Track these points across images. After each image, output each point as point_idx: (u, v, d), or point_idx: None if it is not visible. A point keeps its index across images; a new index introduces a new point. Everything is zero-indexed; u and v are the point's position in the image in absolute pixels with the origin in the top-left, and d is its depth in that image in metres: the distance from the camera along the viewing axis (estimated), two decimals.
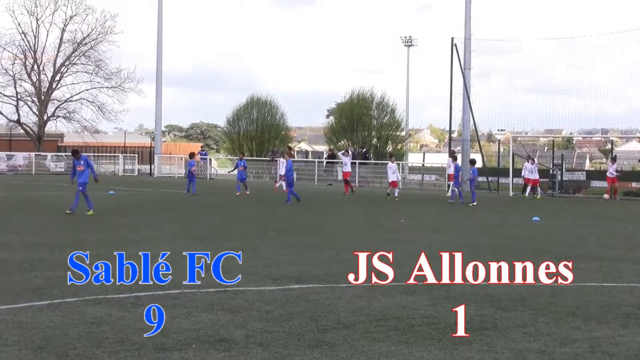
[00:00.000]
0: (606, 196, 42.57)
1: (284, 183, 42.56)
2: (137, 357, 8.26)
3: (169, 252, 15.14)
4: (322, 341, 9.16)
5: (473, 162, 37.97)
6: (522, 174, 44.55)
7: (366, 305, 11.26)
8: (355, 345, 8.99)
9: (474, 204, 34.47)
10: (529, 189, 43.06)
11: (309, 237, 20.54)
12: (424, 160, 70.29)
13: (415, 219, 27.37)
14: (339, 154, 48.50)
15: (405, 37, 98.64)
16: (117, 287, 12.00)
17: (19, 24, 75.11)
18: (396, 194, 38.41)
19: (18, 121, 76.59)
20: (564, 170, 50.25)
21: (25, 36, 75.27)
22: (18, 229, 21.35)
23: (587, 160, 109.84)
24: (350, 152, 49.16)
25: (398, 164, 52.30)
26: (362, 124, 68.61)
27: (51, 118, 77.77)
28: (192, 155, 41.13)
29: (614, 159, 46.83)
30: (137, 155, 74.84)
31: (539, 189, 44.30)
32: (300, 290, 12.47)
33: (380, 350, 8.78)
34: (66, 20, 76.12)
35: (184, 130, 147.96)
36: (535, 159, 47.43)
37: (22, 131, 78.37)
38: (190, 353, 8.50)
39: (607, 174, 44.99)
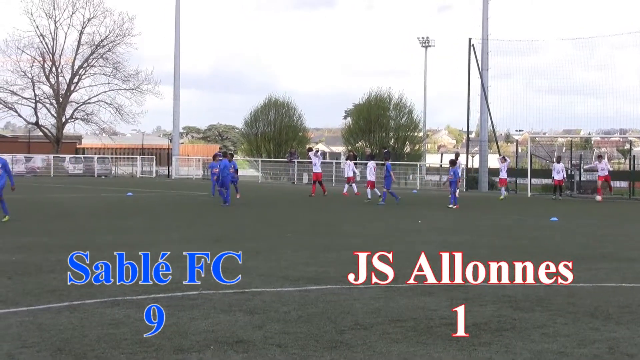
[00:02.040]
0: (598, 198, 41.71)
1: (354, 186, 42.36)
2: (155, 358, 8.28)
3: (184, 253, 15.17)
4: (340, 342, 9.16)
5: (453, 162, 35.95)
6: (552, 175, 43.79)
7: (384, 306, 11.25)
8: (374, 347, 8.99)
9: (452, 206, 33.30)
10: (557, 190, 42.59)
11: (326, 238, 20.55)
12: (441, 161, 70.10)
13: (433, 220, 27.33)
14: (310, 153, 47.20)
15: (423, 38, 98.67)
16: (135, 289, 12.04)
17: (37, 27, 75.85)
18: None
19: (36, 123, 77.08)
20: (582, 170, 50.05)
21: (43, 39, 75.97)
22: (36, 231, 21.45)
23: (606, 161, 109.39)
24: (319, 152, 48.77)
25: (416, 165, 52.40)
26: (380, 125, 68.62)
27: (69, 120, 78.30)
28: (215, 157, 40.80)
29: (600, 157, 46.03)
30: (154, 157, 75.09)
31: (503, 189, 43.58)
32: (318, 292, 12.48)
33: (399, 351, 8.77)
34: (84, 22, 76.74)
35: (201, 131, 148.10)
36: (507, 158, 47.17)
37: (40, 133, 78.88)
38: (209, 354, 8.52)
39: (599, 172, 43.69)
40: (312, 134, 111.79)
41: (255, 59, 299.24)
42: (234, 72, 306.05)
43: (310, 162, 61.25)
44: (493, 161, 58.63)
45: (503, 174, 43.16)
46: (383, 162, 51.98)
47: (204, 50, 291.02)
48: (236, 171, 37.69)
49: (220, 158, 34.26)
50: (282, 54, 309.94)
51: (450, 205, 32.80)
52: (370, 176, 37.32)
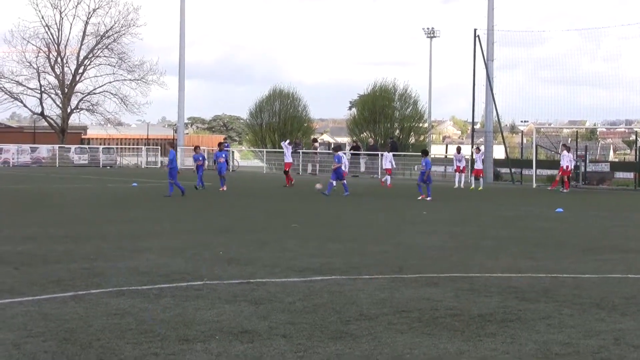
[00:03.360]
0: (563, 190, 40.49)
1: (389, 177, 42.46)
2: (160, 348, 8.29)
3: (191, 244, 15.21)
4: (345, 333, 9.16)
5: (425, 152, 35.12)
6: (561, 164, 43.14)
7: (389, 297, 11.25)
8: (379, 337, 8.99)
9: (423, 198, 31.97)
10: (564, 178, 42.05)
11: (331, 229, 20.56)
12: (446, 152, 70.06)
13: (438, 211, 27.33)
14: (282, 143, 45.76)
15: (428, 28, 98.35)
16: (139, 279, 12.07)
17: (42, 17, 75.68)
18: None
19: (42, 114, 77.11)
20: (587, 161, 49.93)
21: (49, 29, 75.88)
22: (42, 221, 21.49)
23: (611, 152, 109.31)
24: (293, 142, 48.62)
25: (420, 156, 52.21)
26: (385, 116, 68.53)
27: (74, 111, 78.21)
28: (220, 145, 40.69)
29: (567, 148, 44.84)
30: (159, 148, 75.15)
31: (481, 180, 42.71)
32: (323, 282, 12.48)
33: (404, 342, 8.77)
34: (89, 13, 76.55)
35: (206, 122, 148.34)
36: (481, 148, 46.51)
37: (45, 124, 78.88)
38: (214, 344, 8.52)
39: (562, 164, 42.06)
40: (317, 125, 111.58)
41: (260, 49, 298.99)
42: (239, 62, 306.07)
43: (315, 153, 61.70)
44: (498, 152, 58.64)
45: (478, 164, 42.75)
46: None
47: (209, 41, 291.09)
48: (226, 161, 37.09)
49: (227, 149, 34.18)
50: (288, 45, 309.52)
51: (420, 198, 31.67)
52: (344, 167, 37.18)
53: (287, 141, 45.62)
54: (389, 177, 44.04)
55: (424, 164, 32.26)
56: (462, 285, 12.21)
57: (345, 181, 33.96)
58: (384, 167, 45.41)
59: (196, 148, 39.41)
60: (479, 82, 52.40)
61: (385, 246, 17.24)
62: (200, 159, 37.44)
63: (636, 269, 14.42)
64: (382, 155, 50.19)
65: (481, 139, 54.85)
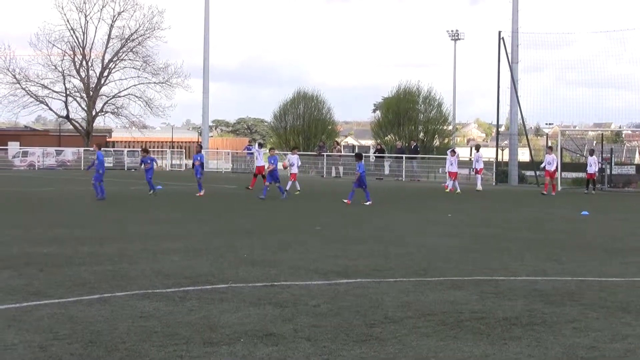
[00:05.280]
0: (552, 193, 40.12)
1: (452, 182, 42.13)
2: (185, 351, 8.32)
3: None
4: (370, 336, 9.16)
5: (359, 156, 33.56)
6: (587, 169, 43.14)
7: (414, 300, 11.23)
8: (404, 340, 8.98)
9: (363, 203, 30.51)
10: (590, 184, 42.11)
11: (356, 231, 20.57)
12: (470, 155, 69.88)
13: (462, 213, 27.28)
14: (252, 148, 45.57)
15: (452, 31, 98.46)
16: (164, 282, 12.10)
17: (67, 21, 76.73)
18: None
19: (67, 117, 77.74)
20: (613, 164, 49.74)
21: (74, 32, 76.91)
22: (67, 223, 21.61)
23: (637, 154, 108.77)
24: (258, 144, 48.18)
25: (444, 158, 52.03)
26: (409, 118, 68.41)
27: (99, 114, 78.84)
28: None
29: (550, 149, 44.07)
30: (184, 150, 75.43)
31: (456, 183, 41.73)
32: (347, 285, 12.47)
33: (429, 346, 8.76)
34: (114, 16, 77.53)
35: (230, 125, 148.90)
36: (457, 151, 46.21)
37: (71, 127, 79.45)
38: (239, 347, 8.53)
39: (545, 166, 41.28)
40: (341, 127, 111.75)
41: (285, 52, 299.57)
42: (264, 65, 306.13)
43: (339, 156, 61.63)
44: (523, 155, 58.42)
45: (454, 168, 42.52)
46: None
47: (234, 44, 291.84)
48: (201, 165, 36.13)
49: (251, 151, 33.86)
50: (313, 47, 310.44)
51: (347, 202, 30.28)
52: (294, 168, 37.35)
53: (258, 144, 45.50)
54: (452, 182, 42.22)
55: (358, 168, 31.33)
56: (486, 288, 12.17)
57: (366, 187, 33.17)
58: (447, 170, 44.61)
59: (144, 151, 39.31)
60: (503, 85, 52.32)
61: (409, 248, 17.21)
62: (149, 161, 37.06)
63: None
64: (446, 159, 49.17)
65: (506, 142, 54.65)
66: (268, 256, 15.61)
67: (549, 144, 51.16)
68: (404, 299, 11.38)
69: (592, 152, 44.38)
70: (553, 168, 40.35)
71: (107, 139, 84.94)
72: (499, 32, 52.10)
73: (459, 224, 23.24)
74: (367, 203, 29.85)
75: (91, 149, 70.90)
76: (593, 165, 42.42)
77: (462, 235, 20.04)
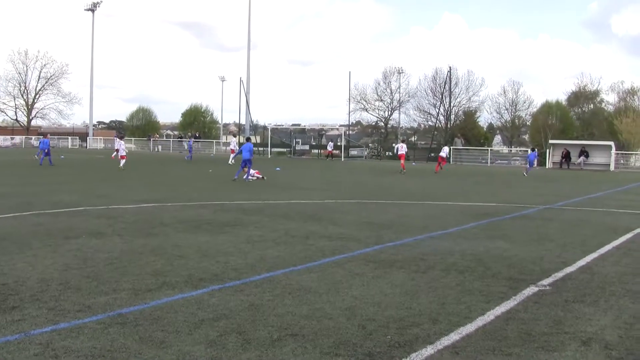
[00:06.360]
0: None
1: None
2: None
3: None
4: (150, 233, 13.76)
5: (248, 139, 36.02)
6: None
7: (180, 215, 17.04)
8: (169, 233, 13.44)
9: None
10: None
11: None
12: None
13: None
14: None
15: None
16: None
17: (16, 68, 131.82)
18: None
19: (16, 120, 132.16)
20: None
21: (20, 75, 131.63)
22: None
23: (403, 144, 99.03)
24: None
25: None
26: None
27: (33, 118, 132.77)
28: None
29: (403, 141, 48.55)
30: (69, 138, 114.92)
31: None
32: (140, 209, 17.67)
33: (181, 237, 13.41)
34: (42, 66, 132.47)
35: (106, 123, 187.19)
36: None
37: (18, 125, 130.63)
38: (80, 240, 12.42)
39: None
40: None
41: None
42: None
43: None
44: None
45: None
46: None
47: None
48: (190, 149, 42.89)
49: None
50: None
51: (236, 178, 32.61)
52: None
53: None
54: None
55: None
56: (219, 208, 17.95)
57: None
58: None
59: (45, 135, 47.37)
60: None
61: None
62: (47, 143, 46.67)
63: None
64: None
65: None
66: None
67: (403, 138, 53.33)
68: (175, 215, 17.22)
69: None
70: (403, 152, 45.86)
71: (39, 132, 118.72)
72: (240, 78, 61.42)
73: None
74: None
75: (32, 137, 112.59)
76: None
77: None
